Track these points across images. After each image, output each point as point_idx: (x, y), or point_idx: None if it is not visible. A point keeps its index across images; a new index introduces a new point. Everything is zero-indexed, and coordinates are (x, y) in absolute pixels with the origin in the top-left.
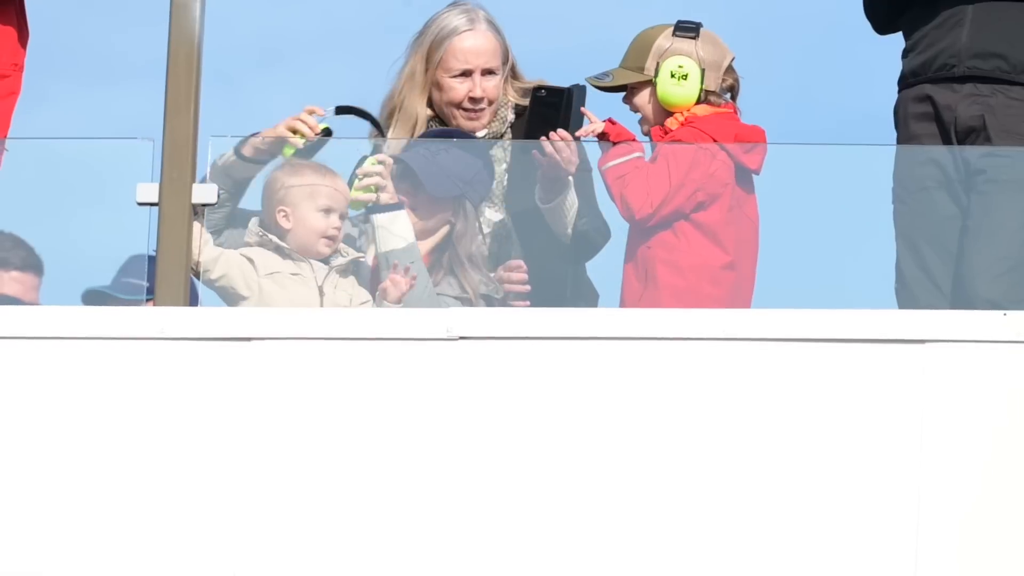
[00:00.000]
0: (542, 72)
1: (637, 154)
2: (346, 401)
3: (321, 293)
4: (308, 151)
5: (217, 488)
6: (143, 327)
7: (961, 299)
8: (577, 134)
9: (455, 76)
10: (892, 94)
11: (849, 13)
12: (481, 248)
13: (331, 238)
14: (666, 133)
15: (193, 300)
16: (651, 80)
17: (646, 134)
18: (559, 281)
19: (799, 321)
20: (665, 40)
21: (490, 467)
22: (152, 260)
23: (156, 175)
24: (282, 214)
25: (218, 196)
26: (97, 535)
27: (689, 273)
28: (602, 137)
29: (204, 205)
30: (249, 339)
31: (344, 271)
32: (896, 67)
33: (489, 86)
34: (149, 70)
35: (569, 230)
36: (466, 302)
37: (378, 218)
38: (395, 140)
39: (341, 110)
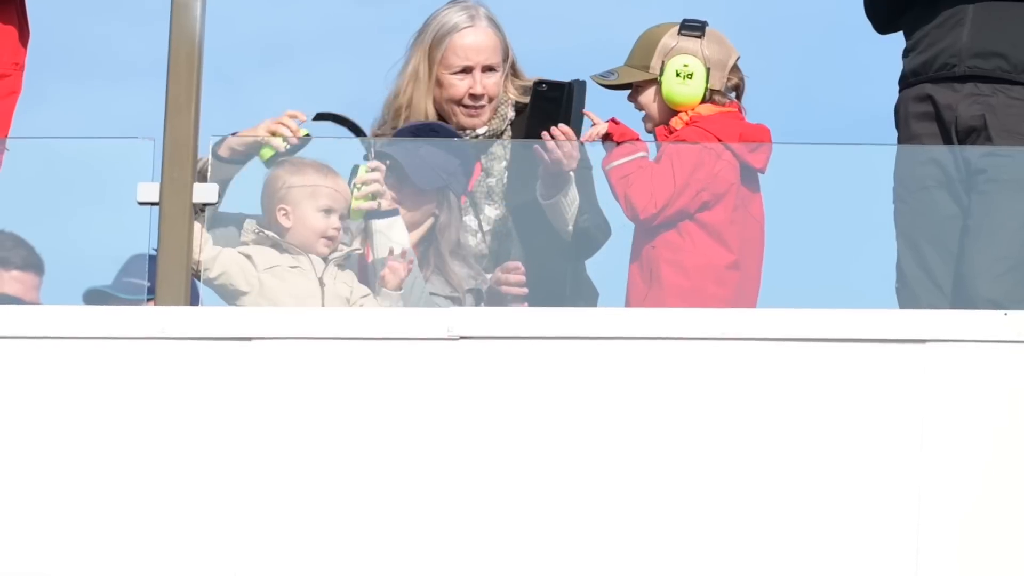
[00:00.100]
0: (542, 71)
1: (641, 154)
2: (347, 401)
3: (321, 284)
4: (286, 155)
5: (218, 488)
6: (144, 327)
7: (962, 299)
8: (582, 138)
9: (455, 73)
10: (893, 94)
11: (849, 13)
12: (467, 240)
13: (330, 239)
14: (671, 132)
15: (194, 300)
16: (656, 79)
17: (650, 131)
18: (559, 279)
19: (800, 321)
20: (671, 39)
21: (491, 467)
22: (153, 260)
23: (157, 175)
24: (282, 212)
25: (219, 196)
26: (98, 535)
27: (694, 273)
28: (606, 138)
29: (205, 204)
30: (250, 339)
31: (343, 263)
32: (897, 67)
33: (489, 83)
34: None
35: (570, 227)
36: (457, 301)
37: (376, 224)
38: (372, 137)
39: (321, 116)
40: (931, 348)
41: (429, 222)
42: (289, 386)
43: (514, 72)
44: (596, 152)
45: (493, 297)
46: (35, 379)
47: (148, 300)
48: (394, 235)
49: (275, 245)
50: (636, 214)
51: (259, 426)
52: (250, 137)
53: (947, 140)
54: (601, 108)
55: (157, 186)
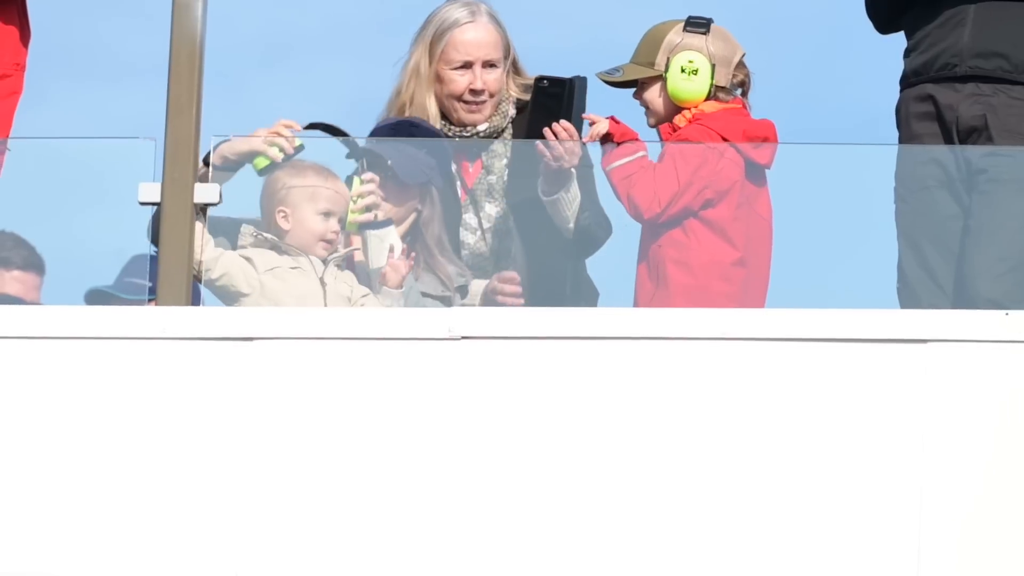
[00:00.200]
0: (543, 70)
1: (641, 153)
2: (348, 401)
3: (323, 284)
4: (279, 165)
5: (219, 488)
6: (145, 327)
7: (963, 299)
8: (584, 140)
9: (456, 68)
10: (894, 93)
11: (850, 13)
12: (454, 236)
13: (329, 241)
14: (674, 130)
15: (195, 300)
16: (661, 75)
17: (652, 127)
18: (559, 278)
19: (800, 321)
20: (676, 35)
21: (492, 468)
22: (154, 260)
23: (158, 175)
24: (281, 215)
25: (220, 196)
26: (99, 535)
27: (699, 271)
28: (606, 138)
29: (207, 205)
30: (251, 339)
31: (341, 263)
32: (898, 66)
33: (490, 78)
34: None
35: (571, 224)
36: (447, 301)
37: (371, 233)
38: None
39: (312, 126)
40: (932, 348)
41: (412, 217)
42: (290, 386)
43: (515, 69)
44: (597, 151)
45: (487, 302)
46: (36, 379)
47: (150, 300)
48: (387, 245)
49: (274, 247)
50: (640, 214)
51: (261, 426)
52: (245, 148)
53: (948, 140)
54: (602, 106)
55: (158, 186)
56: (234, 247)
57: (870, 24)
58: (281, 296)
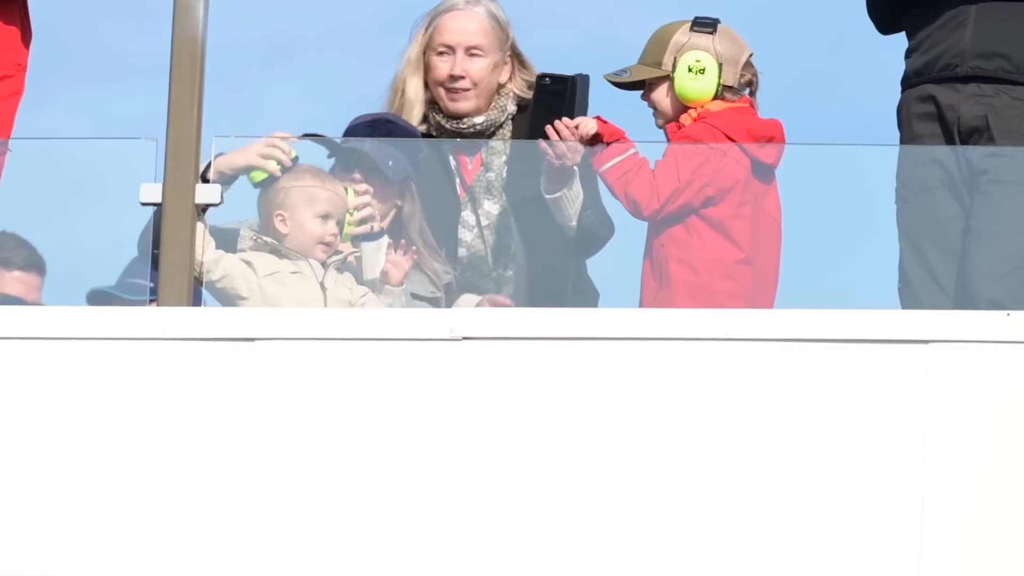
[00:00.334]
0: (546, 69)
1: (632, 151)
2: (349, 402)
3: (323, 289)
4: (275, 179)
5: (220, 488)
6: (146, 327)
7: (964, 299)
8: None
9: (440, 54)
10: (895, 94)
11: (851, 13)
12: (451, 233)
13: (328, 244)
14: (680, 129)
15: (196, 300)
16: (669, 75)
17: (660, 127)
18: (560, 278)
19: (801, 321)
20: (683, 35)
21: (494, 468)
22: (142, 263)
23: (159, 175)
24: (280, 218)
25: (222, 197)
26: (100, 535)
27: (701, 269)
28: (595, 139)
29: (208, 205)
30: (252, 339)
31: (340, 266)
32: (899, 67)
33: (472, 67)
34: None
35: (573, 223)
36: (434, 302)
37: (365, 246)
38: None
39: (307, 136)
40: (933, 348)
41: (392, 214)
42: (292, 387)
43: (522, 65)
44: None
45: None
46: (37, 380)
47: (151, 301)
48: (381, 255)
49: (273, 251)
50: (639, 210)
51: (262, 427)
52: (242, 163)
53: (949, 141)
54: (603, 103)
55: (160, 187)
56: (234, 250)
57: (871, 24)
58: (281, 301)
